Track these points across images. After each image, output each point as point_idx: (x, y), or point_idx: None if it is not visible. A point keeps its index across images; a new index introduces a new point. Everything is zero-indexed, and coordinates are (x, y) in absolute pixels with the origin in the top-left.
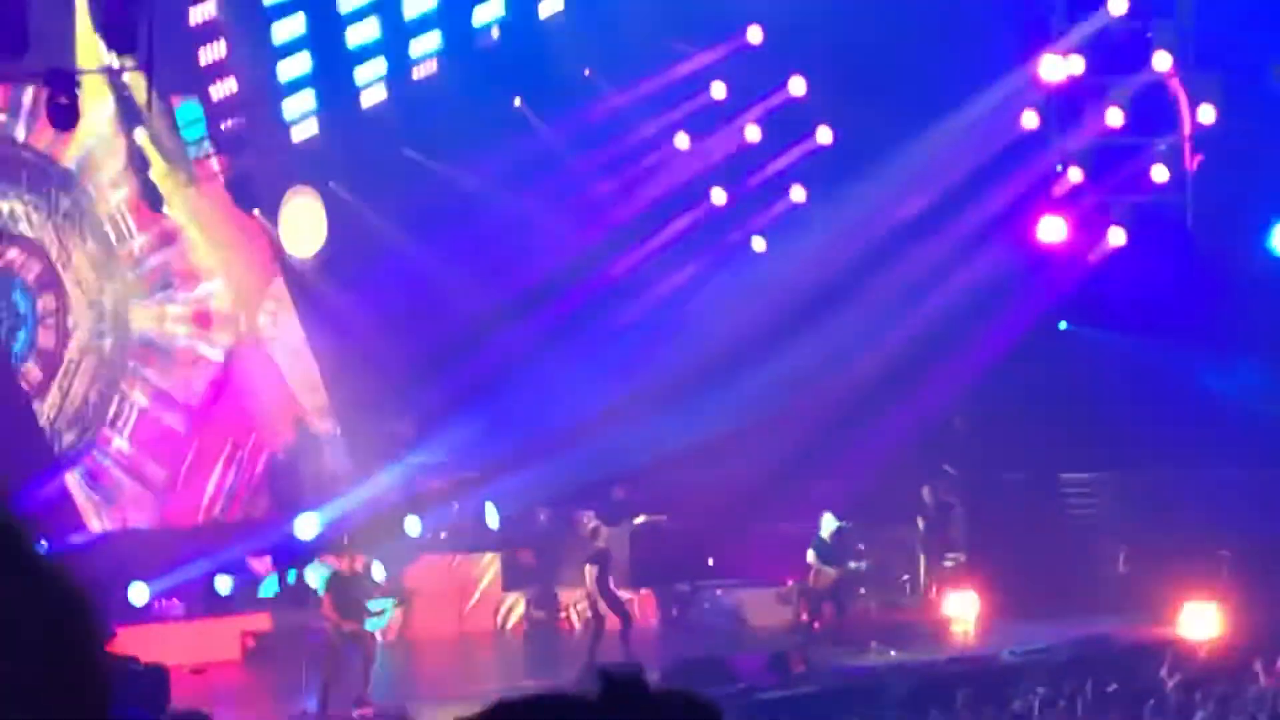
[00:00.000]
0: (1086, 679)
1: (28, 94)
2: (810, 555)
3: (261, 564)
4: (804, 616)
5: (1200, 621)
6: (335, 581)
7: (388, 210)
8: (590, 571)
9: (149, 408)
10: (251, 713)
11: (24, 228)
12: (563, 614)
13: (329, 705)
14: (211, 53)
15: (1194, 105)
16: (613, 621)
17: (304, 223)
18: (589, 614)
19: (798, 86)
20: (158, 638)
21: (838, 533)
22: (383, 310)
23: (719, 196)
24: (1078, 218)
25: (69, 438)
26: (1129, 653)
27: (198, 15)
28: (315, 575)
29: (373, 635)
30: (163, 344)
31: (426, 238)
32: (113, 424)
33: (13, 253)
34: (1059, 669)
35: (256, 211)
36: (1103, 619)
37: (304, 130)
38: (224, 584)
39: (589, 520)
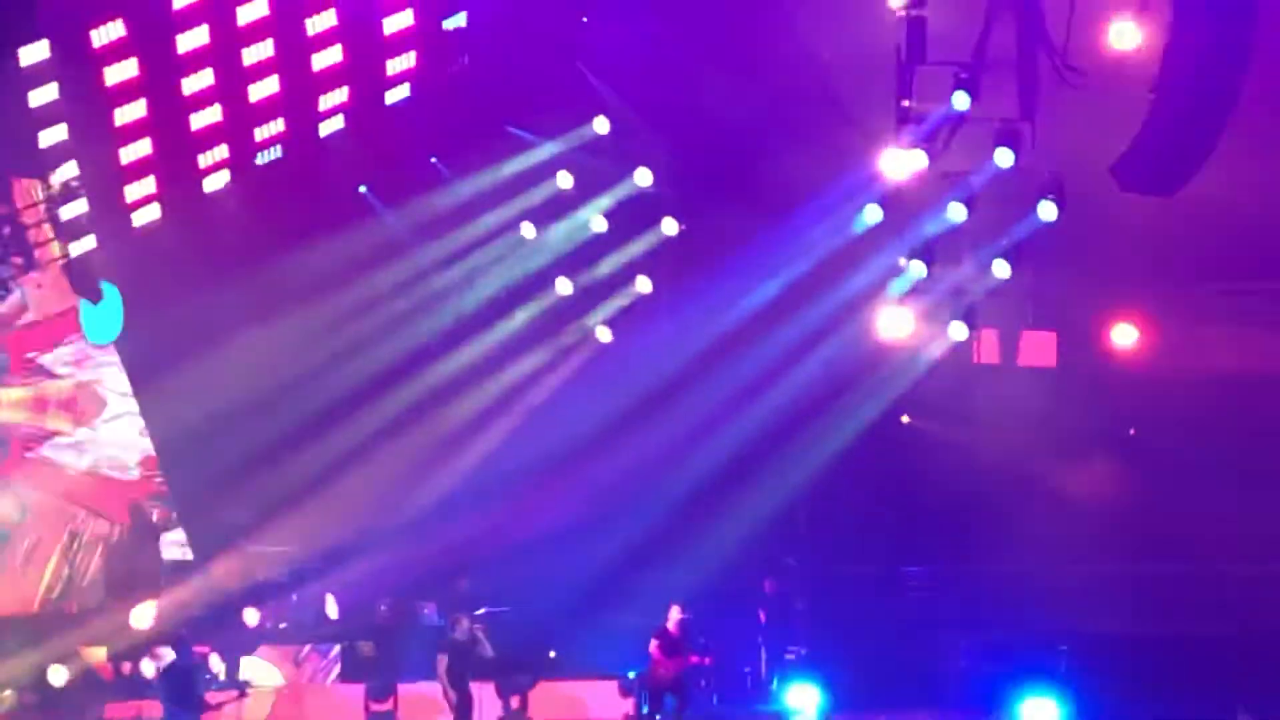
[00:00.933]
0: None
1: None
2: (653, 646)
3: (99, 652)
4: (645, 709)
5: (1040, 715)
6: (170, 672)
7: (230, 295)
8: (440, 661)
9: None
10: None
11: None
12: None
13: None
14: (52, 136)
15: (1035, 201)
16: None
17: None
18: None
19: (644, 178)
20: None
21: (681, 624)
22: (224, 396)
23: (564, 286)
24: (920, 312)
25: None
26: None
27: (38, 98)
28: (150, 666)
29: None
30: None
31: (269, 323)
32: None
33: None
34: None
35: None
36: (943, 713)
37: (145, 215)
38: (58, 675)
39: (427, 611)
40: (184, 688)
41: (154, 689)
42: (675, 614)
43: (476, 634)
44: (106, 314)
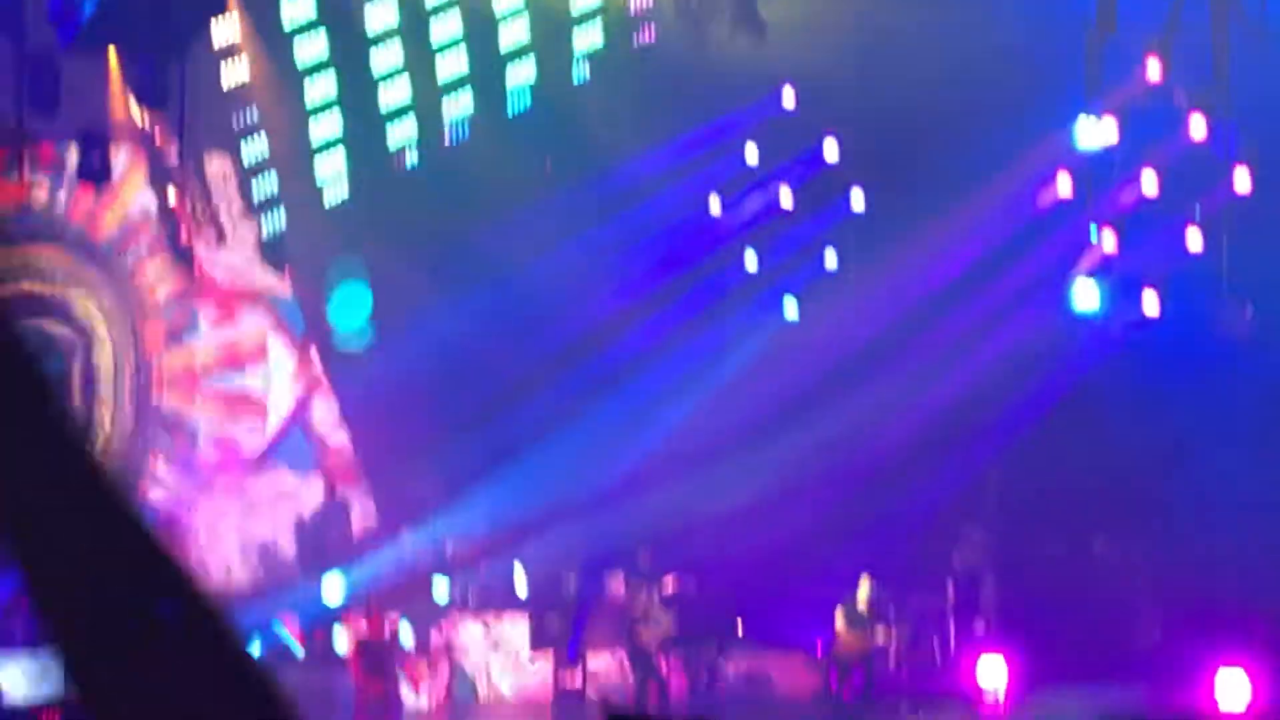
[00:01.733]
0: None
1: (72, 154)
2: (840, 621)
3: (290, 626)
4: (833, 684)
5: (1235, 689)
6: (362, 644)
7: (418, 272)
8: (638, 634)
9: (180, 470)
10: None
11: (58, 292)
12: (589, 677)
13: None
14: (243, 111)
15: (1230, 171)
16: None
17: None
18: (630, 677)
19: (831, 150)
20: None
21: (871, 599)
22: (413, 371)
23: (751, 261)
24: (1112, 284)
25: None
26: None
27: (230, 73)
28: (342, 638)
29: (399, 699)
30: (196, 409)
31: (456, 300)
32: (144, 486)
33: (45, 318)
34: None
35: (285, 270)
36: (1136, 686)
37: (335, 192)
38: (251, 647)
39: (618, 583)
40: (375, 659)
41: (344, 661)
42: (865, 587)
43: (652, 608)
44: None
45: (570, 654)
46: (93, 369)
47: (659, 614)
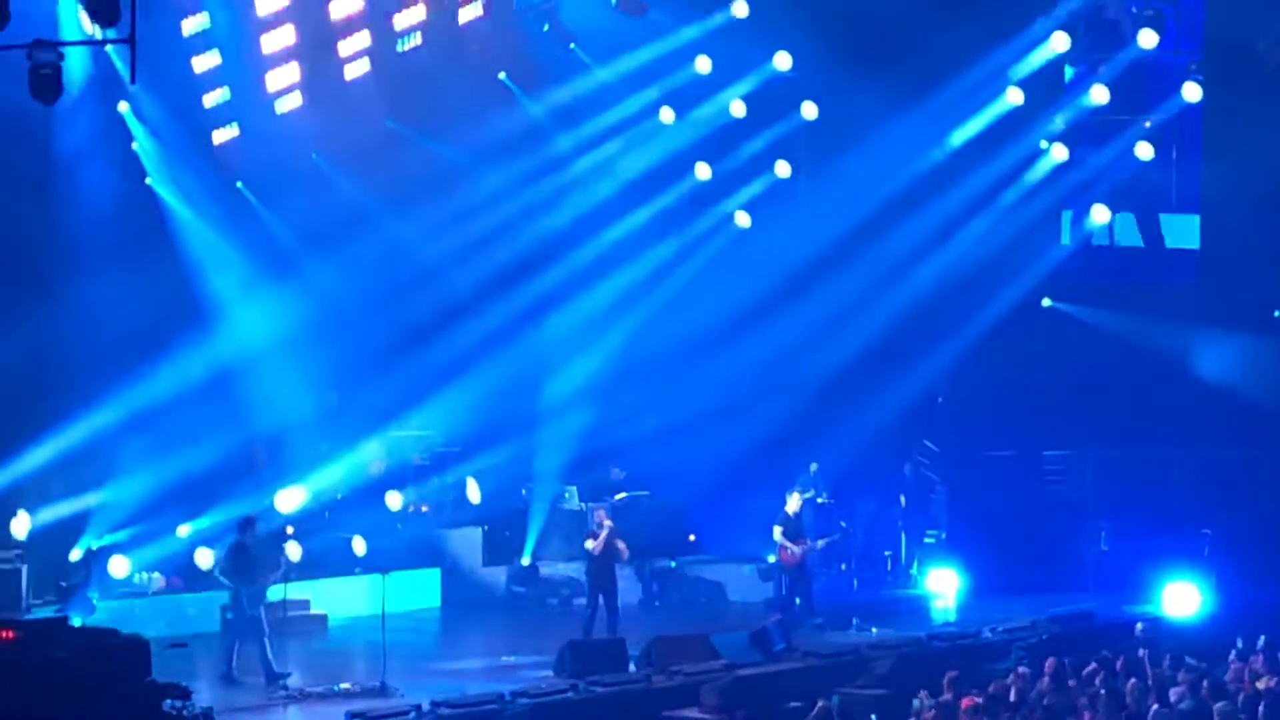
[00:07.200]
0: (1067, 656)
1: None
2: (776, 533)
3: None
4: (783, 591)
5: (1182, 600)
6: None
7: (371, 183)
8: (591, 546)
9: None
10: (232, 687)
11: None
12: (543, 589)
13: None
14: (195, 24)
15: (1179, 83)
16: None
17: None
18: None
19: (783, 61)
20: (139, 610)
21: (811, 508)
22: (367, 282)
23: (703, 171)
24: (1061, 194)
25: None
26: (1110, 630)
27: None
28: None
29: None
30: None
31: (410, 211)
32: None
33: None
34: (1040, 646)
35: (239, 184)
36: (1084, 597)
37: (288, 103)
38: (205, 557)
39: (568, 495)
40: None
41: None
42: (794, 500)
43: (605, 520)
44: None
45: (523, 565)
46: None
47: (612, 526)
